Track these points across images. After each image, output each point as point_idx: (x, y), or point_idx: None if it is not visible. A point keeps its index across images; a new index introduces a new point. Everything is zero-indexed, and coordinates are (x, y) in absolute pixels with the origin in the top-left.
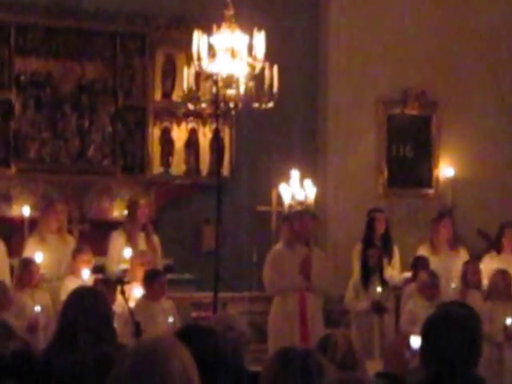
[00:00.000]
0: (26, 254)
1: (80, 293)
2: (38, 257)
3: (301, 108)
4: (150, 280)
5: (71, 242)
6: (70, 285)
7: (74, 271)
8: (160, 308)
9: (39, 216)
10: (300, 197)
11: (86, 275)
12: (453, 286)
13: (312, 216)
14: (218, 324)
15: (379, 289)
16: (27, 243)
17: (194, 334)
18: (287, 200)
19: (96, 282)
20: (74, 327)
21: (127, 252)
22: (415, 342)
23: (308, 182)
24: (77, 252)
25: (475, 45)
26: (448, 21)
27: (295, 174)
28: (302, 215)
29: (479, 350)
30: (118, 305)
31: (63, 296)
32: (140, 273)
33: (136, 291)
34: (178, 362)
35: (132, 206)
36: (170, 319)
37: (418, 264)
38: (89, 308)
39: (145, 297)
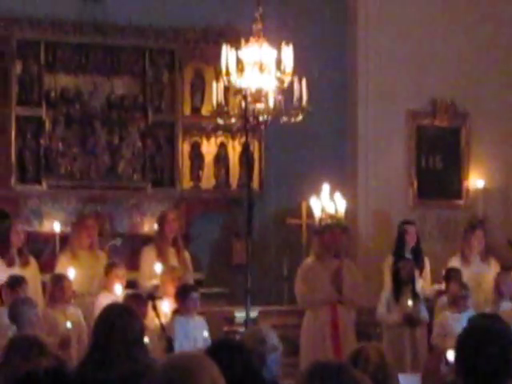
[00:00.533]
0: (58, 270)
1: (113, 310)
2: (70, 273)
3: (330, 121)
4: (183, 295)
5: (103, 258)
6: (104, 300)
7: (107, 286)
8: (193, 323)
9: (70, 232)
10: (330, 210)
11: (119, 291)
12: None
13: (342, 229)
14: (249, 338)
15: (410, 301)
16: (59, 260)
17: (225, 349)
18: (317, 213)
19: (126, 297)
20: (107, 344)
21: (158, 267)
22: (451, 355)
23: (338, 195)
24: (110, 267)
25: (505, 55)
26: (477, 30)
27: (325, 187)
28: (332, 228)
29: None
30: (150, 320)
31: (97, 312)
32: (171, 288)
33: (164, 306)
34: (208, 377)
35: (160, 221)
36: (205, 333)
37: (451, 276)
38: (122, 325)
39: (177, 312)
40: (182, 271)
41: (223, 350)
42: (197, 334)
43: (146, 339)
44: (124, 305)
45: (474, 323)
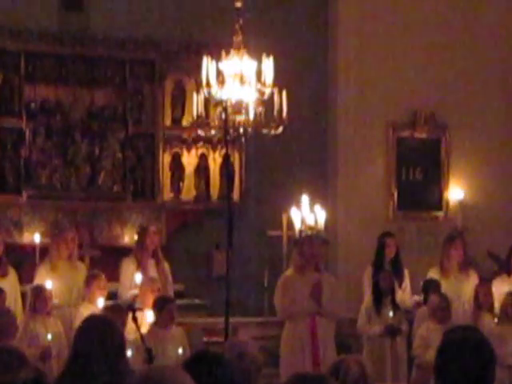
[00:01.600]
0: (37, 281)
1: (94, 321)
2: (49, 284)
3: (310, 133)
4: (159, 307)
5: (82, 268)
6: (85, 312)
7: (89, 298)
8: (169, 335)
9: (50, 243)
10: (310, 221)
11: (101, 302)
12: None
13: (322, 241)
14: (229, 350)
15: (391, 312)
16: (38, 271)
17: (205, 361)
18: (297, 225)
19: (106, 308)
20: (88, 356)
21: (138, 277)
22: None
23: (318, 207)
24: (91, 279)
25: (485, 66)
26: (457, 42)
27: (305, 198)
28: (312, 240)
29: (493, 373)
30: (130, 331)
31: (78, 323)
32: (150, 299)
33: (149, 317)
34: None
35: (141, 233)
36: (180, 350)
37: (429, 287)
38: (103, 337)
39: (154, 324)
40: (160, 283)
41: (203, 361)
42: (173, 346)
43: (129, 352)
44: (104, 316)
45: (455, 334)
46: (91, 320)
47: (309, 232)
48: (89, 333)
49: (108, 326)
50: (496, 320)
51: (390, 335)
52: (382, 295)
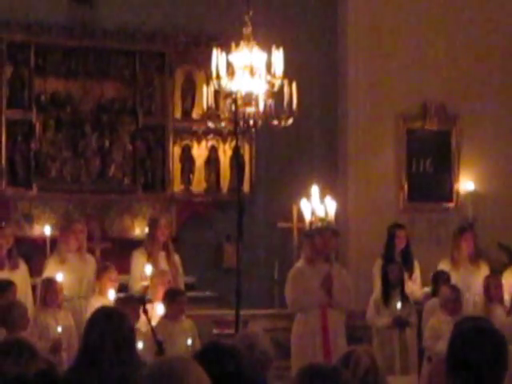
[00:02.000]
0: (47, 274)
1: (106, 313)
2: (59, 277)
3: (320, 124)
4: (170, 300)
5: (91, 261)
6: (96, 304)
7: (99, 290)
8: (179, 327)
9: (58, 236)
10: (320, 213)
11: (112, 295)
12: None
13: (333, 232)
14: (240, 342)
15: (400, 304)
16: (47, 263)
17: (216, 352)
18: (308, 217)
19: (117, 300)
20: (99, 348)
21: (148, 269)
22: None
23: (328, 198)
24: (102, 271)
25: (495, 58)
26: (467, 34)
27: (315, 190)
28: (322, 232)
29: (506, 363)
30: (142, 324)
31: (89, 315)
32: (161, 292)
33: (159, 309)
34: (194, 379)
35: (152, 225)
36: (189, 341)
37: (438, 279)
38: (114, 329)
39: (165, 316)
40: (171, 275)
41: (214, 352)
42: (183, 338)
43: (140, 344)
44: (114, 308)
45: (466, 325)
46: (101, 312)
47: (319, 224)
48: (99, 325)
49: (118, 317)
50: (507, 311)
51: (398, 327)
52: (390, 287)
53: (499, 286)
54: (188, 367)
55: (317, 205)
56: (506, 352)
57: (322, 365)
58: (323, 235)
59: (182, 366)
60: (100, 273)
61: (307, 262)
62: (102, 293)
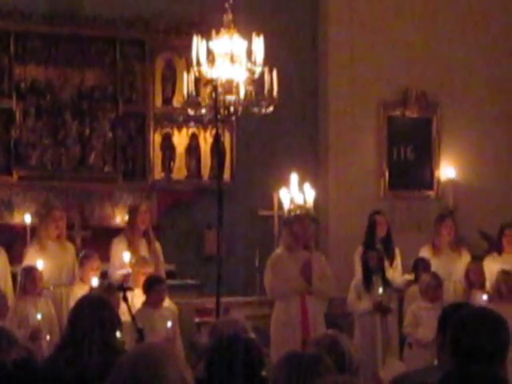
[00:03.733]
0: (27, 262)
1: (95, 301)
2: (40, 264)
3: (301, 112)
4: (149, 287)
5: (71, 248)
6: (79, 292)
7: (82, 278)
8: (159, 315)
9: (38, 224)
10: (299, 201)
11: (95, 283)
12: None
13: (312, 219)
14: (231, 327)
15: (381, 290)
16: (27, 251)
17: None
18: (287, 204)
19: (98, 288)
20: (84, 335)
21: (126, 256)
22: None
23: (307, 186)
24: (85, 259)
25: (476, 45)
26: (448, 21)
27: (294, 177)
28: (301, 219)
29: (507, 346)
30: (122, 312)
31: (72, 303)
32: (142, 280)
33: (140, 297)
34: (174, 368)
35: (132, 213)
36: (169, 324)
37: (419, 266)
38: (99, 316)
39: (144, 304)
40: (153, 263)
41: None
42: (163, 325)
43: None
44: (99, 296)
45: (470, 308)
46: (87, 299)
47: (298, 211)
48: (84, 312)
49: (103, 305)
50: (485, 298)
51: (379, 312)
52: (371, 273)
53: (479, 273)
54: (169, 355)
55: (296, 192)
56: (508, 337)
57: (306, 353)
58: (302, 222)
59: (164, 353)
60: (83, 261)
61: (286, 249)
62: (85, 281)
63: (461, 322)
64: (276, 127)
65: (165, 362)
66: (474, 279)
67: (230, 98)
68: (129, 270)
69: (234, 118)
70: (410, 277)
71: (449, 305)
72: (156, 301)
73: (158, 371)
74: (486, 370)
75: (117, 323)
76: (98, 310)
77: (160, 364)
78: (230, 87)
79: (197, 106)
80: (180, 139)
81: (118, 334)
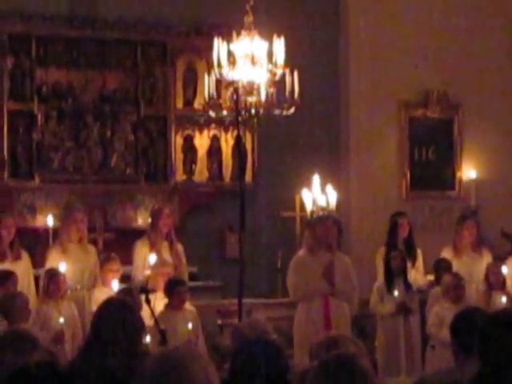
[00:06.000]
0: (49, 264)
1: (116, 305)
2: (62, 267)
3: (322, 113)
4: (170, 290)
5: (92, 251)
6: (100, 295)
7: (102, 281)
8: (181, 317)
9: (59, 226)
10: (322, 202)
11: (116, 286)
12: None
13: (334, 221)
14: (253, 329)
15: (403, 291)
16: (49, 254)
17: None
18: (309, 206)
19: (120, 291)
20: (108, 338)
21: (152, 258)
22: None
23: (329, 188)
24: (105, 261)
25: (498, 46)
26: (470, 21)
27: (316, 179)
28: (323, 221)
29: None
30: (145, 315)
31: (93, 306)
32: (161, 282)
33: (160, 299)
34: (201, 370)
35: (154, 215)
36: (190, 325)
37: (440, 267)
38: (124, 320)
39: (166, 306)
40: (172, 266)
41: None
42: (185, 327)
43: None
44: (124, 299)
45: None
46: (112, 303)
47: (320, 213)
48: (109, 315)
49: (126, 308)
50: (504, 300)
51: (402, 313)
52: (393, 275)
53: (499, 273)
54: (196, 357)
55: (318, 194)
56: None
57: (340, 354)
58: (324, 224)
59: (190, 355)
60: (103, 263)
61: (309, 250)
62: (105, 283)
63: (490, 324)
64: (297, 129)
65: (190, 363)
66: (494, 280)
67: (251, 99)
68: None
69: (255, 119)
70: (432, 278)
71: (461, 311)
72: (178, 303)
73: (183, 373)
74: None
75: (140, 326)
76: (120, 312)
77: (185, 365)
78: (250, 89)
79: (218, 107)
80: (201, 141)
81: (147, 338)
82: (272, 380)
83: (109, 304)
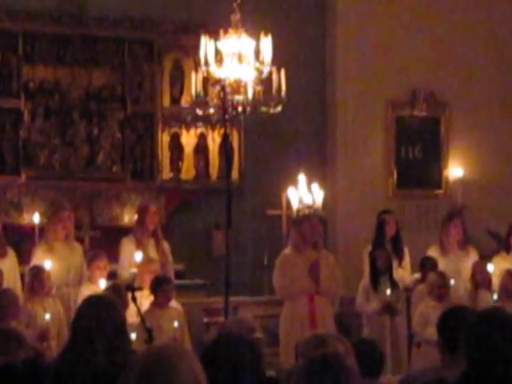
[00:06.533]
0: (34, 262)
1: (95, 301)
2: (48, 264)
3: (309, 111)
4: (156, 287)
5: (79, 249)
6: (87, 292)
7: (90, 278)
8: (167, 315)
9: (46, 224)
10: (308, 201)
11: (103, 283)
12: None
13: (320, 219)
14: (237, 327)
15: (389, 290)
16: (35, 252)
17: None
18: (295, 204)
19: (107, 288)
20: (89, 336)
21: (138, 256)
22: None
23: (315, 186)
24: (92, 259)
25: (483, 45)
26: (456, 21)
27: (302, 177)
28: (309, 219)
29: None
30: (131, 312)
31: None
32: (147, 280)
33: (147, 297)
34: (187, 364)
35: (141, 213)
36: (175, 323)
37: (426, 265)
38: (104, 317)
39: (152, 304)
40: (158, 263)
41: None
42: (170, 325)
43: (133, 334)
44: (104, 296)
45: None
46: (90, 300)
47: (306, 211)
48: (89, 313)
49: (107, 305)
50: (495, 297)
51: (388, 313)
52: (379, 273)
53: (485, 272)
54: (181, 352)
55: (304, 192)
56: None
57: (328, 354)
58: (310, 222)
59: (176, 351)
60: (90, 261)
61: (295, 249)
62: (93, 281)
63: (477, 322)
64: (284, 127)
65: (177, 361)
66: (480, 279)
67: (238, 97)
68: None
69: (242, 117)
70: (418, 276)
71: (447, 309)
72: (163, 301)
73: (171, 371)
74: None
75: (120, 323)
76: (97, 311)
77: (173, 363)
78: (238, 87)
79: (205, 105)
80: (188, 139)
81: (133, 335)
82: (238, 375)
83: (85, 304)
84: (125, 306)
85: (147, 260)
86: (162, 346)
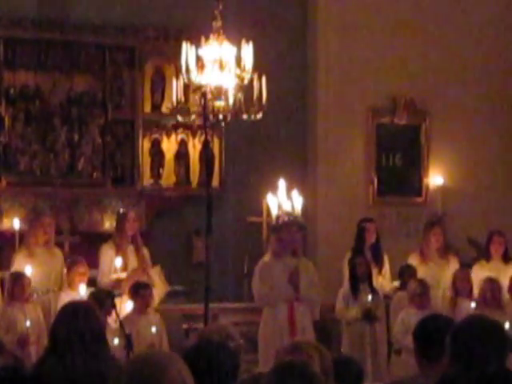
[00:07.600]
0: (15, 268)
1: (72, 308)
2: (28, 270)
3: (290, 118)
4: (134, 293)
5: (59, 254)
6: (66, 298)
7: (69, 284)
8: (146, 321)
9: (26, 230)
10: (287, 207)
11: (83, 290)
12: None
13: (299, 227)
14: (217, 333)
15: (369, 297)
16: (15, 257)
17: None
18: (274, 211)
19: (90, 295)
20: (67, 343)
21: (118, 262)
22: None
23: (295, 193)
24: (72, 264)
25: (465, 53)
26: (436, 28)
27: (282, 184)
28: (289, 226)
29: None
30: (112, 318)
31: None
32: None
33: (128, 304)
34: (175, 371)
35: (120, 219)
36: (153, 329)
37: (405, 272)
38: (82, 324)
39: (132, 310)
40: (141, 269)
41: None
42: (149, 330)
43: (115, 340)
44: (81, 302)
45: (472, 316)
46: (67, 307)
47: (286, 218)
48: (65, 320)
49: (85, 312)
50: (473, 305)
51: (368, 320)
52: (358, 280)
53: (466, 280)
54: (169, 358)
55: (283, 199)
56: (506, 345)
57: (295, 360)
58: (289, 229)
59: (163, 357)
60: (70, 266)
61: (274, 256)
62: (72, 287)
63: (463, 327)
64: (265, 134)
65: (166, 368)
66: (461, 287)
67: (219, 104)
68: (120, 275)
69: (222, 124)
70: (398, 284)
71: (422, 318)
72: (142, 306)
73: (161, 377)
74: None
75: (97, 329)
76: (72, 319)
77: (162, 369)
78: (218, 94)
79: (186, 112)
80: (169, 145)
81: (115, 341)
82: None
83: (63, 311)
84: (107, 312)
85: (137, 269)
86: (150, 352)
